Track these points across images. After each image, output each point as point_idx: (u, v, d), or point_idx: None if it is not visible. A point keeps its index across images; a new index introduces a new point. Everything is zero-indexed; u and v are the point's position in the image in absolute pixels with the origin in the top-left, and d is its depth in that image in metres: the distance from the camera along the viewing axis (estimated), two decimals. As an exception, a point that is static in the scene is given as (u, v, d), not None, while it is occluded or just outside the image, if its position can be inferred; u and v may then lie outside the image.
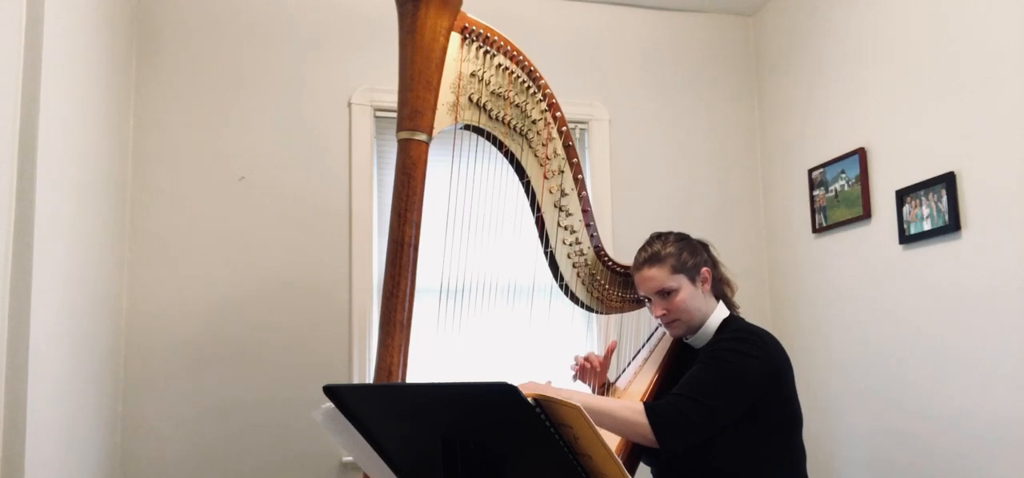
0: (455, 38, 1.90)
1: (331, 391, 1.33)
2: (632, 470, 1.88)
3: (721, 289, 2.02)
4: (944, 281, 2.48)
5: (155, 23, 2.90)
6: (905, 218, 2.63)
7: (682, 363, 2.00)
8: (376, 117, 3.06)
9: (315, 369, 2.87)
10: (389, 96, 3.03)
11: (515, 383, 1.09)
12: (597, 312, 2.17)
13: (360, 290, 2.94)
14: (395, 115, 3.00)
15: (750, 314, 2.06)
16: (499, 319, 2.18)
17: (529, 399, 1.08)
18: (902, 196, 2.64)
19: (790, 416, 1.87)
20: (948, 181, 2.44)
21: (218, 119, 2.92)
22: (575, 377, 2.15)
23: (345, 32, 3.07)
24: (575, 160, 2.04)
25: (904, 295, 2.64)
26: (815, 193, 3.10)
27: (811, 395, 3.04)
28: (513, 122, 1.97)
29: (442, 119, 1.87)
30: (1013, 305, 2.25)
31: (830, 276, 3.03)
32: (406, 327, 1.82)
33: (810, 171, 3.12)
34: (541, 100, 2.00)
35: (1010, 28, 2.26)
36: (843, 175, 2.93)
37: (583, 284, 2.10)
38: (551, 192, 2.03)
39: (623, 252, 2.25)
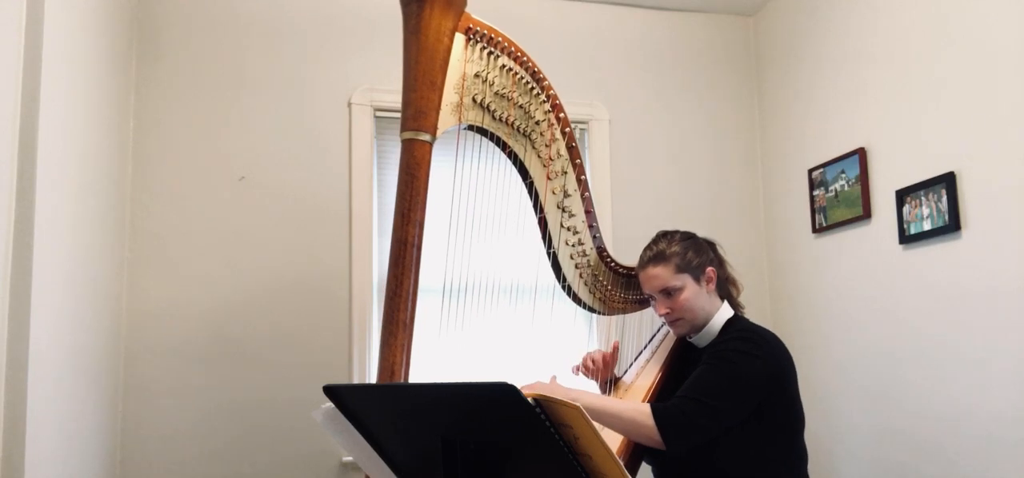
0: (459, 39, 1.90)
1: (331, 391, 1.33)
2: (635, 470, 1.88)
3: (726, 289, 2.02)
4: (944, 281, 2.48)
5: (155, 23, 2.89)
6: (905, 218, 2.63)
7: (686, 362, 2.00)
8: (376, 117, 3.06)
9: (315, 369, 2.87)
10: (389, 96, 3.03)
11: (521, 383, 1.09)
12: (599, 313, 2.17)
13: (360, 290, 2.94)
14: (395, 115, 3.05)
15: (750, 314, 2.07)
16: (502, 319, 2.18)
17: (529, 399, 1.08)
18: (902, 196, 2.64)
19: (793, 417, 1.87)
20: (948, 181, 2.44)
21: (218, 119, 2.91)
22: (578, 372, 2.16)
23: (345, 32, 3.07)
24: (578, 161, 2.05)
25: (904, 295, 2.64)
26: (815, 193, 3.10)
27: (811, 395, 3.04)
28: (516, 123, 1.97)
29: (446, 119, 1.87)
30: (1013, 305, 2.25)
31: (830, 276, 3.03)
32: (409, 326, 1.82)
33: (810, 171, 3.12)
34: (544, 101, 2.01)
35: (1010, 28, 2.26)
36: (843, 175, 2.94)
37: (586, 285, 2.11)
38: (554, 193, 2.03)
39: (623, 252, 2.25)
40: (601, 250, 2.11)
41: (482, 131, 1.97)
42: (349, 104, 3.03)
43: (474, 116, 1.93)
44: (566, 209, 2.05)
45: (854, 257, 2.90)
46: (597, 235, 2.10)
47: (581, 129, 3.27)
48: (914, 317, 2.60)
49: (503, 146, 1.99)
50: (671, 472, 1.91)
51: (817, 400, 3.04)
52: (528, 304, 2.30)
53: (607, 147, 3.27)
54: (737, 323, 1.93)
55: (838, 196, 2.96)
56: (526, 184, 2.04)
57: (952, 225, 2.42)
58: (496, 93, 1.94)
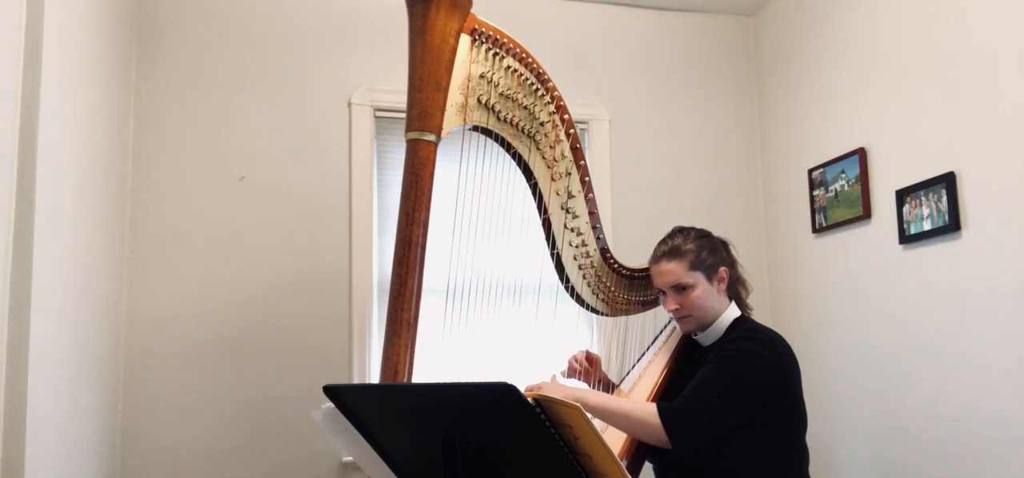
0: (465, 40, 1.90)
1: (331, 391, 1.33)
2: (638, 469, 1.89)
3: (736, 289, 2.02)
4: (944, 281, 2.48)
5: (155, 23, 2.89)
6: (905, 218, 2.63)
7: (690, 360, 2.01)
8: (376, 117, 3.06)
9: (315, 369, 2.87)
10: (389, 96, 3.03)
11: (523, 384, 1.09)
12: (603, 314, 2.17)
13: (360, 290, 2.94)
14: (395, 115, 3.05)
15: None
16: (505, 320, 2.19)
17: (529, 399, 1.08)
18: (902, 196, 2.64)
19: (796, 417, 1.87)
20: (948, 181, 2.44)
21: (218, 119, 2.91)
22: (565, 374, 2.16)
23: (345, 32, 3.07)
24: (582, 162, 2.05)
25: (904, 295, 2.65)
26: (815, 193, 3.10)
27: (811, 395, 3.01)
28: (521, 124, 1.97)
29: (451, 120, 1.88)
30: (1013, 305, 2.25)
31: (830, 276, 3.03)
32: (412, 326, 1.83)
33: (810, 171, 3.12)
34: (549, 102, 2.01)
35: (1009, 28, 2.27)
36: (843, 175, 2.94)
37: (589, 286, 2.11)
38: (558, 194, 2.04)
39: (623, 252, 2.25)
40: (604, 251, 2.11)
41: (487, 132, 1.97)
42: (349, 104, 3.03)
43: (479, 117, 1.93)
44: (570, 210, 2.05)
45: (854, 257, 2.90)
46: (601, 236, 2.10)
47: (581, 129, 3.27)
48: (914, 317, 2.60)
49: (507, 147, 2.00)
50: (673, 471, 1.91)
51: (817, 400, 3.04)
52: (531, 305, 2.30)
53: (607, 147, 3.27)
54: (743, 323, 1.93)
55: (838, 196, 2.96)
56: (530, 185, 2.04)
57: (952, 225, 2.42)
58: (501, 94, 1.95)
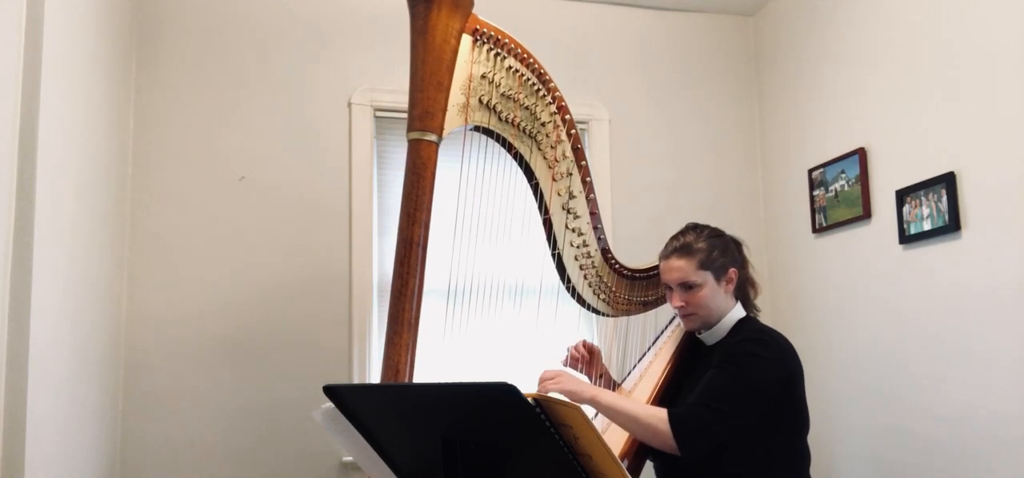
0: (466, 40, 1.90)
1: (331, 391, 1.33)
2: (639, 469, 1.89)
3: (745, 290, 2.01)
4: (944, 281, 2.48)
5: (155, 23, 2.89)
6: (905, 218, 2.63)
7: (693, 359, 2.00)
8: (376, 117, 3.06)
9: (315, 369, 2.87)
10: (389, 96, 3.03)
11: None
12: (604, 314, 2.17)
13: (360, 290, 2.94)
14: (395, 115, 3.05)
15: (753, 314, 2.06)
16: (506, 320, 2.19)
17: (529, 399, 1.08)
18: (902, 196, 2.64)
19: (799, 419, 1.87)
20: (948, 181, 2.44)
21: (218, 119, 2.91)
22: (565, 363, 2.16)
23: (345, 32, 3.07)
24: (584, 162, 2.05)
25: (904, 295, 2.65)
26: (815, 193, 3.10)
27: (812, 395, 3.01)
28: (522, 124, 1.98)
29: (452, 120, 1.88)
30: (1013, 305, 2.25)
31: (830, 276, 3.03)
32: (414, 326, 1.83)
33: (810, 171, 3.12)
34: (550, 102, 2.01)
35: (1010, 28, 2.27)
36: (843, 175, 2.94)
37: (590, 286, 2.11)
38: (559, 194, 2.04)
39: (623, 252, 2.25)
40: (605, 251, 2.11)
41: (488, 132, 1.97)
42: (349, 104, 3.03)
43: (480, 117, 1.93)
44: (571, 210, 2.05)
45: (854, 257, 2.90)
46: (602, 237, 2.10)
47: (581, 129, 3.27)
48: (914, 317, 2.61)
49: (509, 147, 2.00)
50: (675, 472, 1.91)
51: (818, 400, 3.02)
52: (532, 305, 2.30)
53: (607, 147, 3.27)
54: (748, 324, 1.93)
55: (838, 196, 2.96)
56: (531, 185, 2.04)
57: (952, 225, 2.42)
58: (502, 94, 1.95)
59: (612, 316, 2.19)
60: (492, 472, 1.18)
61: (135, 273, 2.77)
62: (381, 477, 1.39)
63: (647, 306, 2.19)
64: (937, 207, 2.49)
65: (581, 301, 2.13)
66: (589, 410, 1.87)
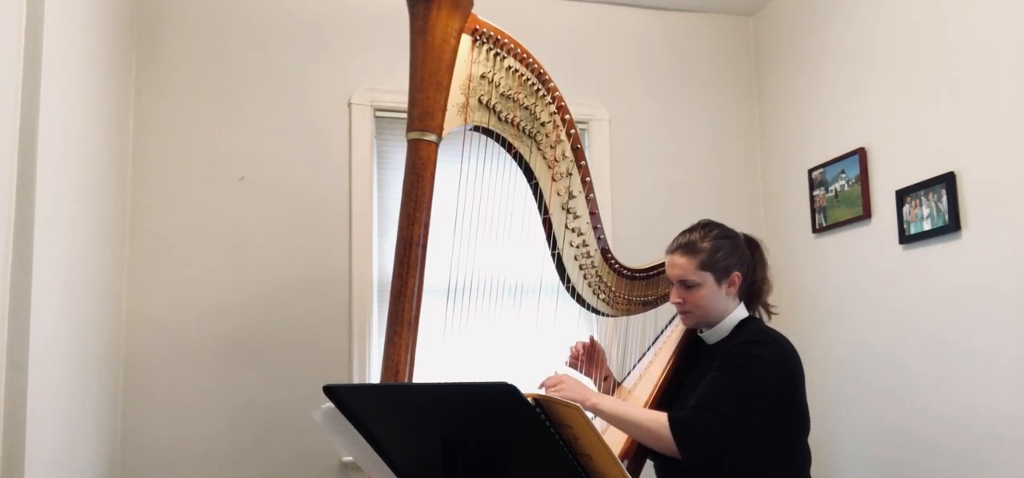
0: (466, 40, 1.91)
1: (331, 391, 1.33)
2: (639, 469, 1.89)
3: (756, 292, 2.00)
4: (944, 281, 2.48)
5: (155, 23, 2.89)
6: (905, 218, 2.63)
7: (694, 358, 2.00)
8: (376, 117, 3.06)
9: (315, 369, 2.86)
10: (389, 96, 3.03)
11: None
12: (603, 314, 2.17)
13: (360, 290, 2.94)
14: (395, 115, 3.05)
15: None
16: (506, 320, 2.19)
17: (529, 399, 1.08)
18: (902, 196, 2.64)
19: (800, 420, 1.87)
20: (948, 181, 2.44)
21: (218, 119, 2.91)
22: (567, 363, 2.16)
23: (345, 32, 3.07)
24: (583, 162, 2.05)
25: (904, 295, 2.65)
26: (815, 193, 3.10)
27: (811, 394, 3.00)
28: (522, 124, 1.98)
29: (452, 120, 1.88)
30: (1013, 305, 2.25)
31: (830, 276, 3.03)
32: (413, 326, 1.83)
33: (810, 171, 3.12)
34: (550, 102, 2.01)
35: (1010, 28, 2.27)
36: (843, 175, 2.94)
37: (590, 286, 2.11)
38: (559, 194, 2.04)
39: (623, 252, 2.25)
40: (605, 251, 2.11)
41: (487, 132, 1.97)
42: (349, 104, 3.03)
43: (480, 117, 1.93)
44: (571, 210, 2.05)
45: (854, 257, 2.90)
46: (601, 236, 2.10)
47: (581, 129, 3.27)
48: (914, 317, 2.60)
49: (508, 147, 2.00)
50: (675, 472, 1.91)
51: (818, 400, 3.02)
52: (532, 305, 2.31)
53: (607, 147, 3.27)
54: (750, 325, 1.92)
55: (838, 196, 2.96)
56: (531, 185, 2.04)
57: (952, 225, 2.42)
58: (502, 94, 1.95)
59: (612, 316, 2.18)
60: (492, 472, 1.18)
61: (135, 273, 2.77)
62: (381, 477, 1.39)
63: (647, 306, 2.19)
64: (937, 207, 2.49)
65: (581, 301, 2.13)
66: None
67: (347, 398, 1.34)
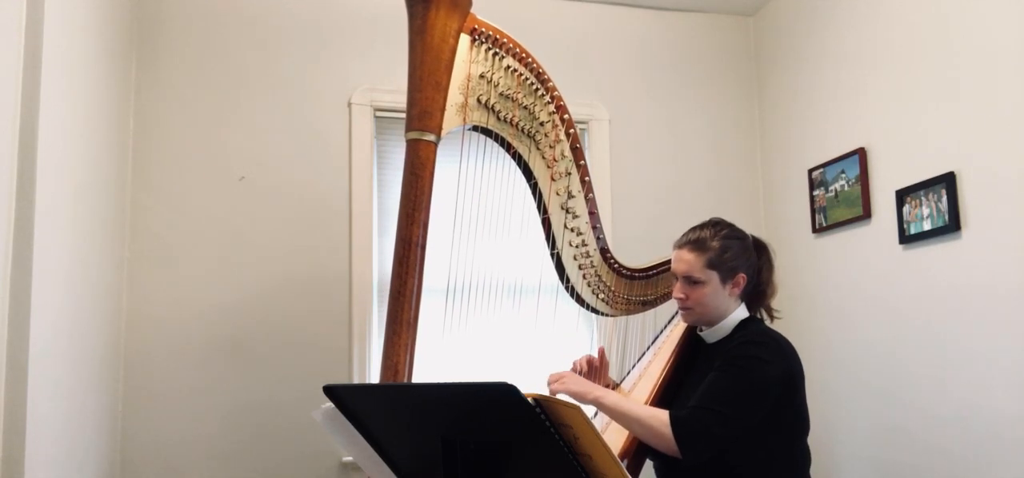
0: (464, 40, 1.91)
1: (331, 391, 1.33)
2: (638, 469, 1.88)
3: (760, 294, 1.99)
4: (944, 281, 2.48)
5: (155, 23, 2.89)
6: (905, 218, 2.63)
7: (693, 358, 2.00)
8: (376, 117, 3.06)
9: (315, 369, 2.86)
10: (389, 96, 3.03)
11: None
12: (603, 314, 2.17)
13: (360, 290, 2.94)
14: (395, 115, 3.05)
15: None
16: (505, 320, 2.19)
17: (529, 399, 1.08)
18: (902, 196, 2.64)
19: (800, 421, 1.87)
20: (948, 181, 2.44)
21: (218, 119, 2.91)
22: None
23: (345, 32, 3.07)
24: (582, 162, 2.05)
25: (904, 295, 2.64)
26: (815, 193, 3.10)
27: (811, 394, 3.00)
28: (521, 124, 1.98)
29: (451, 120, 1.88)
30: (1013, 305, 2.25)
31: (830, 276, 3.03)
32: (413, 326, 1.83)
33: (810, 171, 3.12)
34: (549, 102, 2.01)
35: (1010, 28, 2.27)
36: (843, 175, 2.94)
37: (589, 286, 2.11)
38: (558, 194, 2.04)
39: (623, 252, 2.25)
40: (604, 251, 2.11)
41: (486, 132, 1.97)
42: (349, 104, 3.03)
43: (479, 117, 1.93)
44: (570, 210, 2.05)
45: (854, 257, 2.90)
46: (601, 236, 2.10)
47: (581, 129, 3.27)
48: (914, 317, 2.60)
49: (507, 147, 2.00)
50: (674, 471, 1.91)
51: (818, 400, 3.02)
52: (531, 305, 2.30)
53: (607, 147, 3.27)
54: (751, 326, 1.92)
55: (838, 196, 2.96)
56: (530, 185, 2.04)
57: (952, 225, 2.42)
58: (501, 94, 1.95)
59: (611, 315, 2.18)
60: (492, 472, 1.18)
61: (135, 273, 2.77)
62: (381, 477, 1.39)
63: (646, 305, 2.19)
64: (937, 207, 2.49)
65: (580, 300, 2.13)
66: (590, 409, 1.87)
67: (347, 398, 1.34)
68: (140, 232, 2.79)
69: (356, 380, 2.89)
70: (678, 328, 2.10)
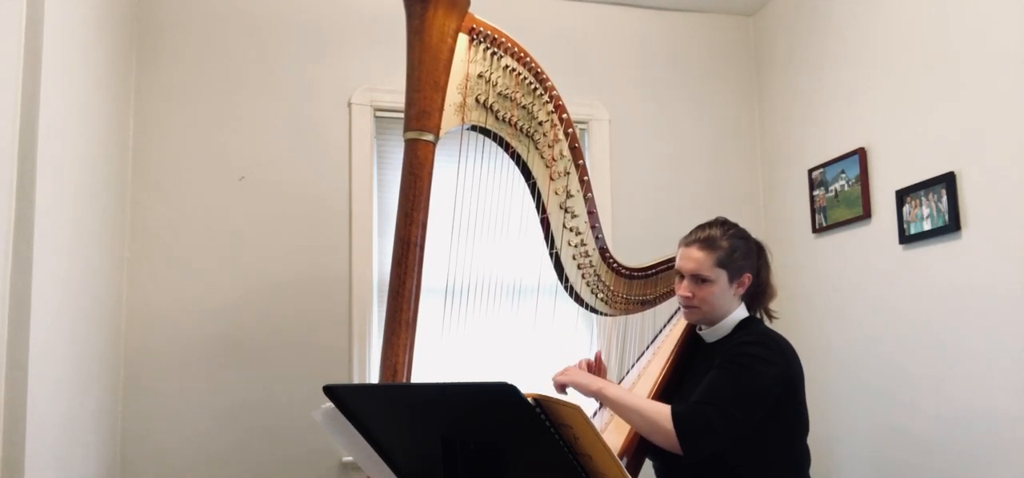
0: (463, 39, 1.90)
1: (331, 391, 1.33)
2: (638, 468, 1.88)
3: (760, 295, 1.99)
4: (944, 281, 2.48)
5: (155, 23, 2.89)
6: (905, 218, 2.63)
7: (693, 358, 2.00)
8: (376, 117, 3.06)
9: (315, 369, 2.87)
10: (389, 96, 3.03)
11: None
12: (602, 313, 2.17)
13: (360, 289, 2.94)
14: (395, 115, 3.05)
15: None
16: (504, 320, 2.18)
17: (529, 399, 1.08)
18: (902, 196, 2.64)
19: (799, 421, 1.87)
20: (948, 181, 2.44)
21: (218, 119, 2.91)
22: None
23: (345, 32, 3.07)
24: (581, 161, 2.05)
25: (904, 295, 2.64)
26: (815, 193, 3.10)
27: (811, 394, 3.00)
28: (519, 123, 1.98)
29: (449, 120, 1.88)
30: (1013, 305, 2.25)
31: (830, 276, 3.03)
32: (411, 326, 1.83)
33: (810, 171, 3.12)
34: (547, 102, 2.01)
35: (1010, 29, 2.27)
36: (843, 175, 2.94)
37: (588, 285, 2.11)
38: (557, 193, 2.04)
39: (623, 252, 2.25)
40: (603, 251, 2.11)
41: (485, 131, 1.97)
42: (349, 104, 3.03)
43: (477, 116, 1.93)
44: (569, 209, 2.05)
45: (854, 257, 2.90)
46: (599, 236, 2.10)
47: (581, 129, 3.27)
48: (914, 317, 2.60)
49: (506, 146, 1.99)
50: (674, 470, 1.91)
51: (818, 400, 3.02)
52: (530, 304, 2.30)
53: (607, 147, 3.27)
54: (751, 326, 1.92)
55: (838, 196, 2.96)
56: (529, 184, 2.04)
57: (952, 225, 2.42)
58: (499, 93, 1.95)
59: (610, 315, 2.18)
60: (492, 472, 1.18)
61: (135, 273, 2.77)
62: (381, 477, 1.39)
63: (646, 305, 2.19)
64: (937, 207, 2.49)
65: (579, 300, 2.13)
66: (590, 406, 1.87)
67: (347, 398, 1.34)
68: (140, 232, 2.79)
69: (356, 380, 2.89)
70: (677, 327, 2.10)
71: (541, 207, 2.03)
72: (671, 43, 3.43)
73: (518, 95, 1.96)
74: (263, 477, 2.80)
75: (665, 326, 2.20)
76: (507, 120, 1.96)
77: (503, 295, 2.10)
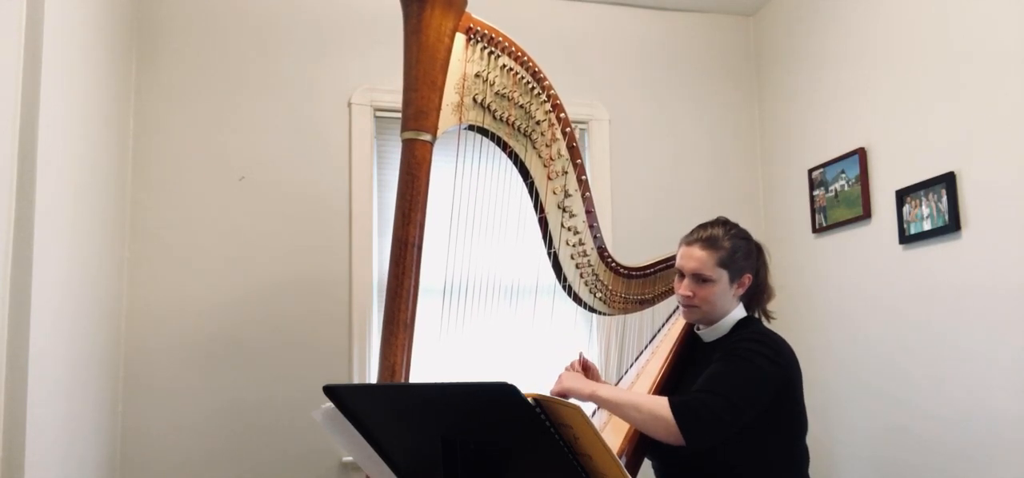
0: (460, 39, 1.90)
1: (331, 391, 1.33)
2: (637, 467, 1.88)
3: (758, 295, 1.99)
4: (944, 281, 2.48)
5: (155, 23, 2.89)
6: (905, 218, 2.63)
7: (691, 357, 2.00)
8: (376, 117, 3.06)
9: (315, 369, 2.87)
10: (389, 96, 3.03)
11: (523, 383, 1.09)
12: (600, 313, 2.17)
13: (360, 289, 2.94)
14: (395, 115, 3.05)
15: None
16: (502, 320, 2.18)
17: (529, 399, 1.08)
18: (902, 196, 2.64)
19: (798, 421, 1.87)
20: (948, 181, 2.44)
21: (218, 119, 2.91)
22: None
23: (345, 32, 3.07)
24: (579, 161, 2.04)
25: (904, 295, 2.64)
26: (815, 193, 3.10)
27: (811, 394, 3.01)
28: (517, 123, 1.97)
29: (447, 119, 1.88)
30: (1013, 305, 2.25)
31: (830, 276, 3.03)
32: (410, 326, 1.83)
33: (810, 171, 3.12)
34: (545, 101, 2.01)
35: (1010, 28, 2.27)
36: (843, 175, 2.94)
37: (586, 285, 2.11)
38: (555, 193, 2.03)
39: (623, 252, 2.25)
40: (602, 250, 2.10)
41: (483, 131, 1.97)
42: (349, 104, 3.03)
43: (475, 116, 1.93)
44: (567, 209, 2.05)
45: (854, 257, 2.90)
46: (598, 235, 2.10)
47: (581, 129, 3.27)
48: (914, 317, 2.60)
49: (504, 146, 1.99)
50: (673, 470, 1.91)
51: (817, 400, 3.04)
52: (529, 304, 2.30)
53: (607, 147, 3.27)
54: (749, 325, 1.92)
55: (838, 196, 2.96)
56: (527, 184, 2.04)
57: (952, 225, 2.42)
58: (497, 93, 1.94)
59: (609, 315, 2.18)
60: (492, 472, 1.18)
61: (135, 273, 2.77)
62: (381, 477, 1.39)
63: (644, 304, 2.19)
64: (937, 207, 2.49)
65: (577, 300, 2.12)
66: (588, 406, 1.87)
67: (347, 398, 1.34)
68: (140, 232, 2.79)
69: (356, 380, 2.89)
70: (676, 326, 2.10)
71: (539, 207, 2.03)
72: (671, 43, 3.43)
73: (515, 94, 1.96)
74: (263, 477, 2.80)
75: (663, 325, 2.20)
76: (505, 120, 1.96)
77: (501, 295, 2.10)
